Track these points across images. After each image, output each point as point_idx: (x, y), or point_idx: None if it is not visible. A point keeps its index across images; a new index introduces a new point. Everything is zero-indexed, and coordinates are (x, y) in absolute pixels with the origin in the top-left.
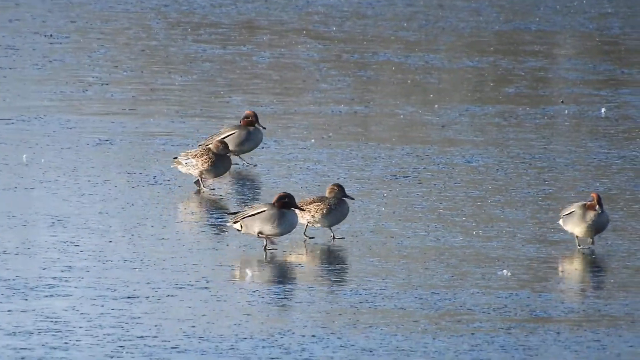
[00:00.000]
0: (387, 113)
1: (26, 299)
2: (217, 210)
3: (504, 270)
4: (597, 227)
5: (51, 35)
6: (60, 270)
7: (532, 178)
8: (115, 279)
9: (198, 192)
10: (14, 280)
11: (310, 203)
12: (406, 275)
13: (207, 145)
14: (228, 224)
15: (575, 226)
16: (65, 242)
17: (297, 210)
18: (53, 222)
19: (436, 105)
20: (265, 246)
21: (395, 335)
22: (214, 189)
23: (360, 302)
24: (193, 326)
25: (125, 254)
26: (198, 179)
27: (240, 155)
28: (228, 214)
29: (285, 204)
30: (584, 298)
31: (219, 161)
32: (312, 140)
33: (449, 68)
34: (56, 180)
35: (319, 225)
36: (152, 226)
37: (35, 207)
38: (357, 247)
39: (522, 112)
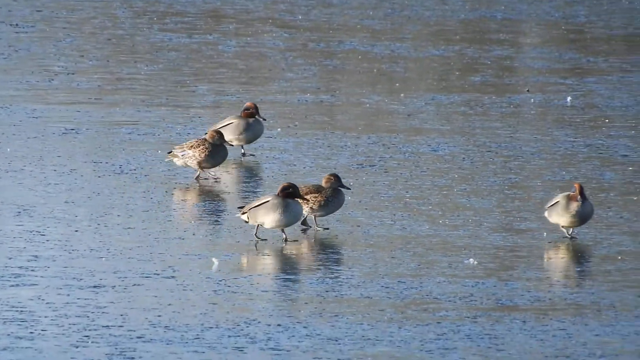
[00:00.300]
0: (353, 102)
1: None
2: (183, 199)
3: (470, 259)
4: (581, 218)
5: (17, 25)
6: (26, 260)
7: (498, 167)
8: (81, 269)
9: (196, 179)
10: None
11: (307, 193)
12: (372, 264)
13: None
14: (237, 216)
15: (559, 217)
16: (31, 232)
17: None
18: (19, 212)
19: (402, 94)
20: (256, 233)
21: (361, 324)
22: (218, 179)
23: (327, 291)
24: (159, 315)
25: (92, 244)
26: (198, 173)
27: (243, 146)
28: (237, 207)
29: (290, 194)
30: (550, 287)
31: (215, 151)
32: (279, 129)
33: (414, 57)
34: (22, 169)
35: (316, 214)
36: (118, 215)
37: (1, 196)
38: (323, 236)
39: (488, 101)
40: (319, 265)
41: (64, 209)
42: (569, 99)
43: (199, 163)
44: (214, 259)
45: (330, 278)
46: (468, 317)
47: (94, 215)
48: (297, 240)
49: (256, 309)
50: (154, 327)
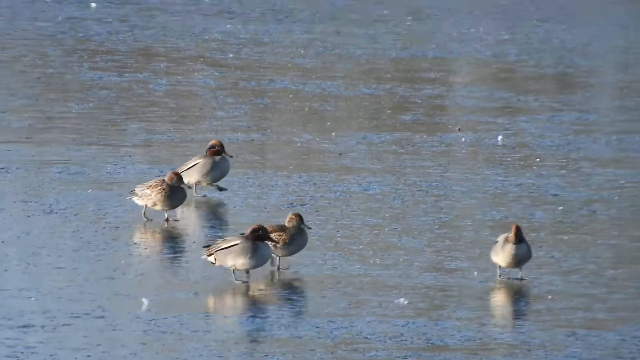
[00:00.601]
0: (284, 141)
1: None
2: (112, 239)
3: (401, 299)
4: (517, 259)
5: None
6: None
7: (428, 206)
8: (10, 308)
9: (145, 223)
10: None
11: (271, 232)
12: (303, 303)
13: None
14: (202, 257)
15: (496, 256)
16: None
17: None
18: None
19: (333, 133)
20: (236, 278)
21: None
22: (177, 220)
23: (257, 331)
24: (88, 355)
25: (21, 283)
26: (144, 210)
27: (212, 184)
28: (203, 247)
29: (259, 237)
30: (481, 326)
31: (172, 192)
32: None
33: (346, 95)
34: None
35: (278, 254)
36: (47, 255)
37: None
38: (253, 275)
39: (419, 140)
40: (249, 304)
41: None
42: (499, 137)
43: (154, 203)
44: (143, 299)
45: (261, 318)
46: (398, 357)
47: (23, 255)
48: (247, 282)
49: (186, 349)
50: None
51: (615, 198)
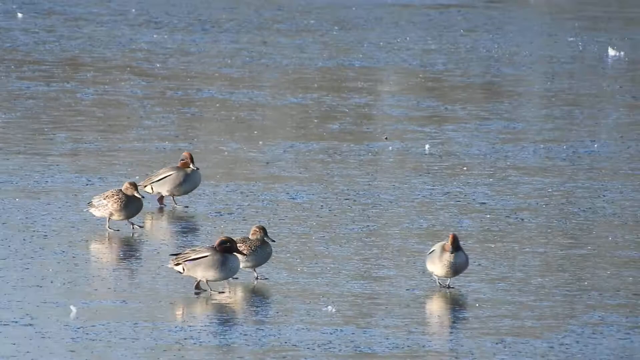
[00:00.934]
0: (211, 149)
1: None
2: (41, 247)
3: (329, 307)
4: (453, 269)
5: None
6: None
7: (356, 214)
8: None
9: (107, 233)
10: None
11: None
12: (231, 311)
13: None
14: (169, 266)
15: (433, 266)
16: None
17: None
18: None
19: (260, 142)
20: (197, 285)
21: None
22: (118, 230)
23: (185, 339)
24: None
25: None
26: (107, 220)
27: (174, 197)
28: (170, 254)
29: (227, 249)
30: (409, 334)
31: (129, 202)
32: (137, 177)
33: (273, 105)
34: None
35: (244, 265)
36: None
37: None
38: (181, 284)
39: (347, 149)
40: (177, 312)
41: None
42: (427, 146)
43: (111, 213)
44: (72, 307)
45: (189, 325)
46: None
47: None
48: (223, 291)
49: (114, 357)
50: None
51: (543, 206)
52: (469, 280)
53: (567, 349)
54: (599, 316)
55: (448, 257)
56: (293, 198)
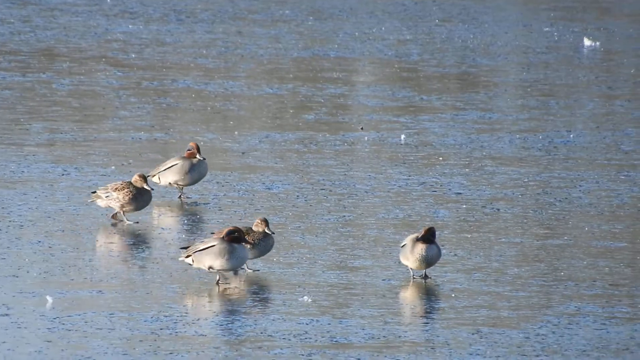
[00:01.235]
0: (187, 140)
1: None
2: (17, 237)
3: (305, 297)
4: (426, 261)
5: None
6: None
7: (332, 204)
8: None
9: (115, 224)
10: None
11: None
12: (206, 301)
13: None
14: (180, 259)
15: (406, 259)
16: None
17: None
18: None
19: (236, 132)
20: (218, 281)
21: None
22: (137, 222)
23: (161, 329)
24: None
25: None
26: (116, 212)
27: (182, 188)
28: (180, 248)
29: (235, 239)
30: (385, 324)
31: (139, 194)
32: (113, 167)
33: (248, 95)
34: None
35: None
36: None
37: None
38: (157, 274)
39: (322, 139)
40: (153, 302)
41: None
42: (402, 136)
43: (122, 206)
44: (48, 297)
45: (165, 315)
46: (303, 355)
47: None
48: (228, 282)
49: (90, 347)
50: None
51: (519, 196)
52: (445, 270)
53: (543, 339)
54: (575, 306)
55: (420, 249)
56: (269, 188)
